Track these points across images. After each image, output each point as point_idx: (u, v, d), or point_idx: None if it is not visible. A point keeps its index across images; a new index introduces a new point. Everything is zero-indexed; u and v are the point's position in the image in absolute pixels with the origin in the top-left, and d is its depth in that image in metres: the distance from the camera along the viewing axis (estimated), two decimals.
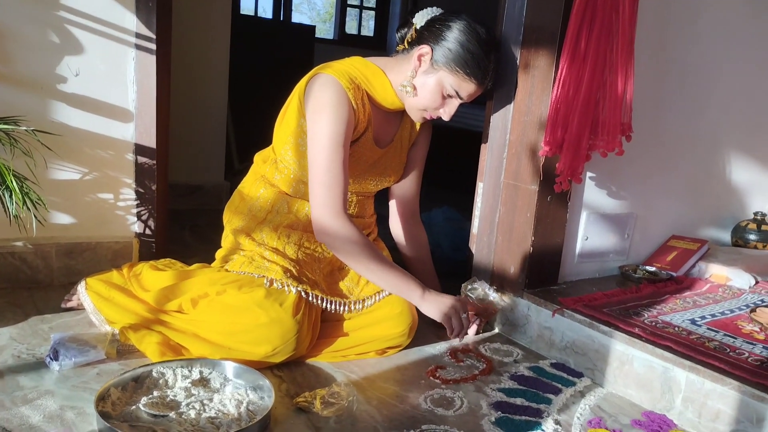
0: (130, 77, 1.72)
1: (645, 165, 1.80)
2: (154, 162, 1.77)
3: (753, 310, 1.50)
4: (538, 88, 1.54)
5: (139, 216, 1.79)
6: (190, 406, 1.11)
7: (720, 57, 1.93)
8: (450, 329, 1.46)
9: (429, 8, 1.51)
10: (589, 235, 1.72)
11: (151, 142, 1.76)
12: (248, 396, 1.16)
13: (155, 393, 1.14)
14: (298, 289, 1.36)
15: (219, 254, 1.58)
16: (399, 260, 1.75)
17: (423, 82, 1.46)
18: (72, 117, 1.66)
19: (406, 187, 1.74)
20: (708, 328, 1.40)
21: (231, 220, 1.59)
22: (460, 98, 1.47)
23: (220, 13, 2.78)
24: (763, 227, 2.04)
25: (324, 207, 1.40)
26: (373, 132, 1.55)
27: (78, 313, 1.51)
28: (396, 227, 1.77)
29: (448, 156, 3.13)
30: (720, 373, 1.18)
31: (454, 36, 1.42)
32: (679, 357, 1.24)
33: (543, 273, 1.64)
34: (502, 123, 1.65)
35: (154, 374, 1.19)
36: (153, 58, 1.73)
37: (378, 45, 5.63)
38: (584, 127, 1.44)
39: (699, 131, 1.94)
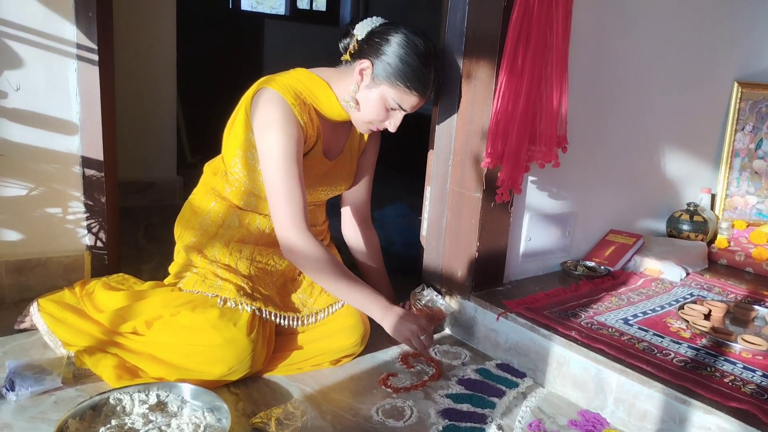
0: (73, 89, 1.69)
1: (584, 166, 1.88)
2: (102, 174, 1.76)
3: (681, 307, 1.61)
4: (479, 98, 1.59)
5: (89, 229, 1.78)
6: None
7: (654, 63, 2.01)
8: (412, 348, 1.49)
9: (370, 18, 1.52)
10: (532, 236, 1.80)
11: (98, 154, 1.75)
12: (205, 419, 1.20)
13: (113, 422, 1.17)
14: (252, 307, 1.40)
15: (172, 269, 1.60)
16: (351, 261, 1.80)
17: (366, 97, 1.49)
18: (14, 132, 1.63)
19: (357, 193, 1.77)
20: (639, 328, 1.50)
21: (182, 235, 1.61)
22: (404, 110, 1.51)
23: (165, 4, 2.73)
24: (695, 218, 2.16)
25: (288, 226, 1.43)
26: (322, 145, 1.57)
27: (32, 334, 1.51)
28: (349, 233, 1.81)
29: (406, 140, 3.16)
30: (646, 375, 1.28)
31: (392, 50, 1.44)
32: (610, 360, 1.34)
33: (488, 275, 1.71)
34: (447, 131, 1.70)
35: (112, 401, 1.22)
36: (96, 69, 1.70)
37: (330, 20, 5.55)
38: (523, 140, 1.50)
39: (635, 131, 2.03)
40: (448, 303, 1.70)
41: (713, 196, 2.39)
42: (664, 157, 2.19)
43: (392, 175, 3.35)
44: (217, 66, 3.87)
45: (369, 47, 1.47)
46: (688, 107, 2.22)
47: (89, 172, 1.75)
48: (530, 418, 1.34)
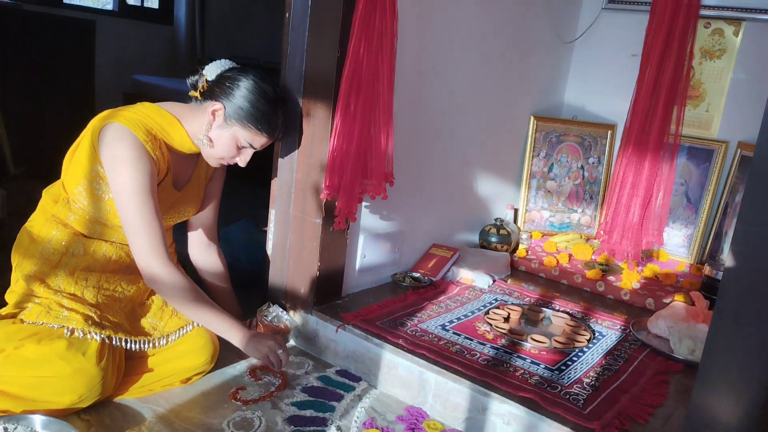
0: None
1: (410, 191, 2.15)
2: None
3: (487, 313, 1.93)
4: (318, 135, 1.77)
5: None
6: None
7: (467, 102, 2.35)
8: (270, 365, 1.62)
9: (219, 61, 1.64)
10: (367, 254, 2.03)
11: None
12: None
13: None
14: (102, 335, 1.45)
15: (10, 299, 1.57)
16: (197, 279, 1.88)
17: (218, 135, 1.60)
18: None
19: (204, 218, 1.86)
20: (454, 332, 1.79)
21: (21, 264, 1.58)
22: (254, 148, 1.64)
23: None
24: (501, 231, 2.54)
25: (150, 257, 1.50)
26: (172, 176, 1.65)
27: None
28: (196, 255, 1.89)
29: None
30: (457, 374, 1.55)
31: (243, 94, 1.57)
32: (430, 363, 1.59)
33: (329, 291, 1.90)
34: (289, 163, 1.86)
35: None
36: None
37: (164, 19, 5.37)
38: (356, 175, 1.71)
39: (452, 159, 2.36)
40: (292, 318, 1.86)
41: (516, 212, 2.81)
42: (476, 180, 2.55)
43: (238, 186, 3.40)
44: (42, 68, 3.62)
45: (220, 90, 1.58)
46: (495, 137, 2.61)
47: None
48: (364, 417, 1.55)
